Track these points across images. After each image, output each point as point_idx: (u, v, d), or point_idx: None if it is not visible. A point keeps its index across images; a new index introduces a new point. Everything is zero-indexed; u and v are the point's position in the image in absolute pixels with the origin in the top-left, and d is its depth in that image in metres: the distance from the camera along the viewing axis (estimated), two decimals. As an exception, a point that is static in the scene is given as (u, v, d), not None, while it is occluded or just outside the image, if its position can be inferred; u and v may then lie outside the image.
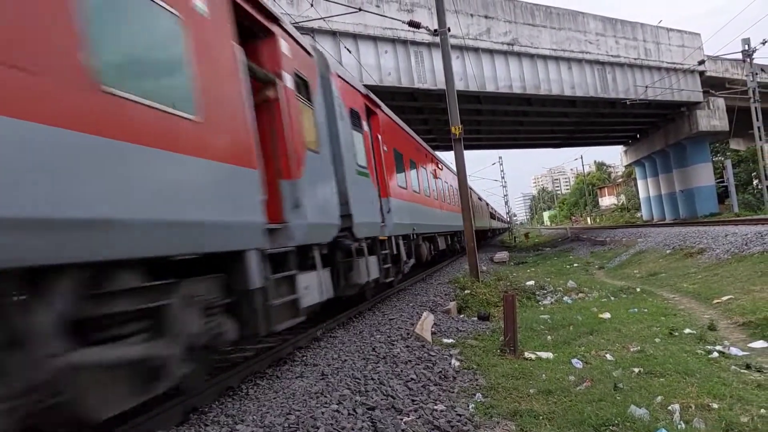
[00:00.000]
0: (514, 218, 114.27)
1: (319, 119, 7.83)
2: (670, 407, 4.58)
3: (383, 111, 12.20)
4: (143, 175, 3.70)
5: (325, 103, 8.25)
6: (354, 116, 9.57)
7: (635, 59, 33.92)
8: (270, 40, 6.43)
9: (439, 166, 20.76)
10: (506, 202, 76.12)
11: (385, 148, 11.75)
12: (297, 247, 6.27)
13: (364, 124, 10.35)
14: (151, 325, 3.88)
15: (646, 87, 33.85)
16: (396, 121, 13.94)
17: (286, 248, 5.94)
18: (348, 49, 20.82)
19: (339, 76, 9.01)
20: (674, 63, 35.73)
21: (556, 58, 30.27)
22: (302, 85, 7.25)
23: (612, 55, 32.72)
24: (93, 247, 3.25)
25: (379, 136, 11.41)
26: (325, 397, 4.84)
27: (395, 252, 11.55)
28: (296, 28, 7.83)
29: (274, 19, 6.52)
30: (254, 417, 4.42)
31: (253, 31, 6.21)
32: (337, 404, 4.58)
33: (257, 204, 5.32)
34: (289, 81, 6.61)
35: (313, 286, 6.68)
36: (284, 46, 6.67)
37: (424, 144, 18.31)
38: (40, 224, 2.90)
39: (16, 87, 2.84)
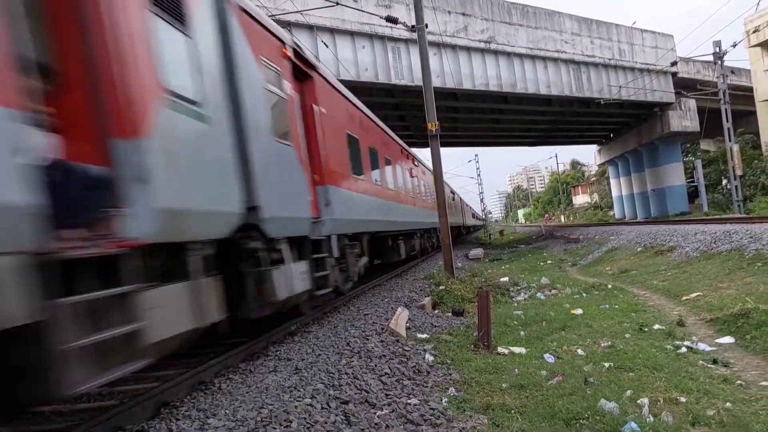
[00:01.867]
0: (490, 216, 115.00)
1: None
2: (639, 401, 4.66)
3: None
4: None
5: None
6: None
7: (610, 59, 34.35)
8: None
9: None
10: (482, 200, 76.62)
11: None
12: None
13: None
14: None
15: (620, 87, 34.33)
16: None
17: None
18: (325, 44, 20.71)
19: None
20: (647, 64, 36.31)
21: (533, 57, 30.50)
22: None
23: (587, 55, 33.10)
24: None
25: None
26: (299, 391, 4.81)
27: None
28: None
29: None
30: (226, 411, 4.38)
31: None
32: (310, 398, 4.56)
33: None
34: None
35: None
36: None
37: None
38: None
39: None
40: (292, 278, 6.93)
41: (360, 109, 12.92)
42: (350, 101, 11.94)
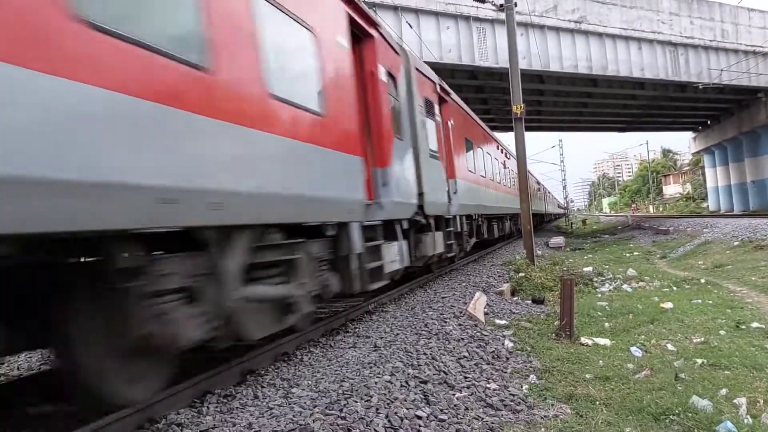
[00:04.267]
0: (572, 204, 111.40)
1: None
2: (735, 401, 4.39)
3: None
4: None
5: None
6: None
7: (710, 41, 32.14)
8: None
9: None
10: (564, 187, 74.28)
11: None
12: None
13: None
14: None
15: (721, 71, 32.07)
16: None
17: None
18: (409, 24, 20.60)
19: None
20: (754, 45, 33.64)
21: (626, 38, 29.05)
22: None
23: (685, 36, 31.12)
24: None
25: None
26: (378, 367, 4.86)
27: None
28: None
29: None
30: (309, 382, 4.50)
31: None
32: (389, 375, 4.59)
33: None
34: None
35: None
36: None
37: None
38: None
39: None
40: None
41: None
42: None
